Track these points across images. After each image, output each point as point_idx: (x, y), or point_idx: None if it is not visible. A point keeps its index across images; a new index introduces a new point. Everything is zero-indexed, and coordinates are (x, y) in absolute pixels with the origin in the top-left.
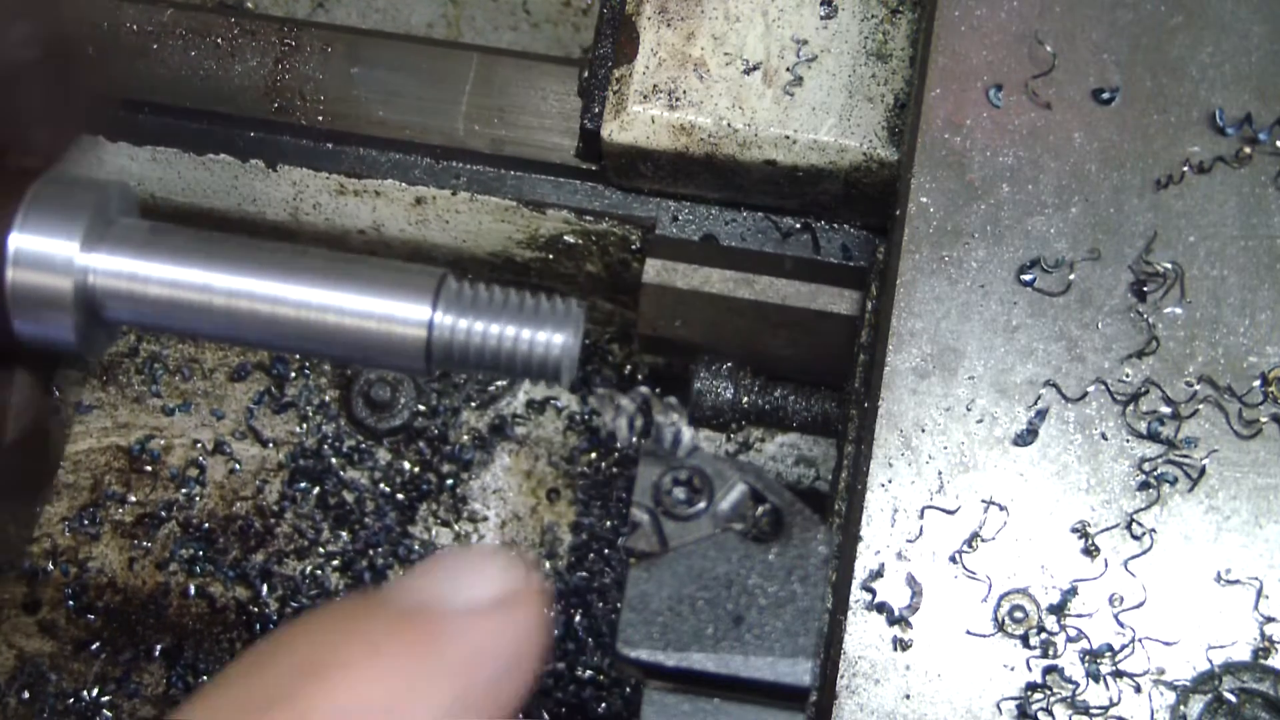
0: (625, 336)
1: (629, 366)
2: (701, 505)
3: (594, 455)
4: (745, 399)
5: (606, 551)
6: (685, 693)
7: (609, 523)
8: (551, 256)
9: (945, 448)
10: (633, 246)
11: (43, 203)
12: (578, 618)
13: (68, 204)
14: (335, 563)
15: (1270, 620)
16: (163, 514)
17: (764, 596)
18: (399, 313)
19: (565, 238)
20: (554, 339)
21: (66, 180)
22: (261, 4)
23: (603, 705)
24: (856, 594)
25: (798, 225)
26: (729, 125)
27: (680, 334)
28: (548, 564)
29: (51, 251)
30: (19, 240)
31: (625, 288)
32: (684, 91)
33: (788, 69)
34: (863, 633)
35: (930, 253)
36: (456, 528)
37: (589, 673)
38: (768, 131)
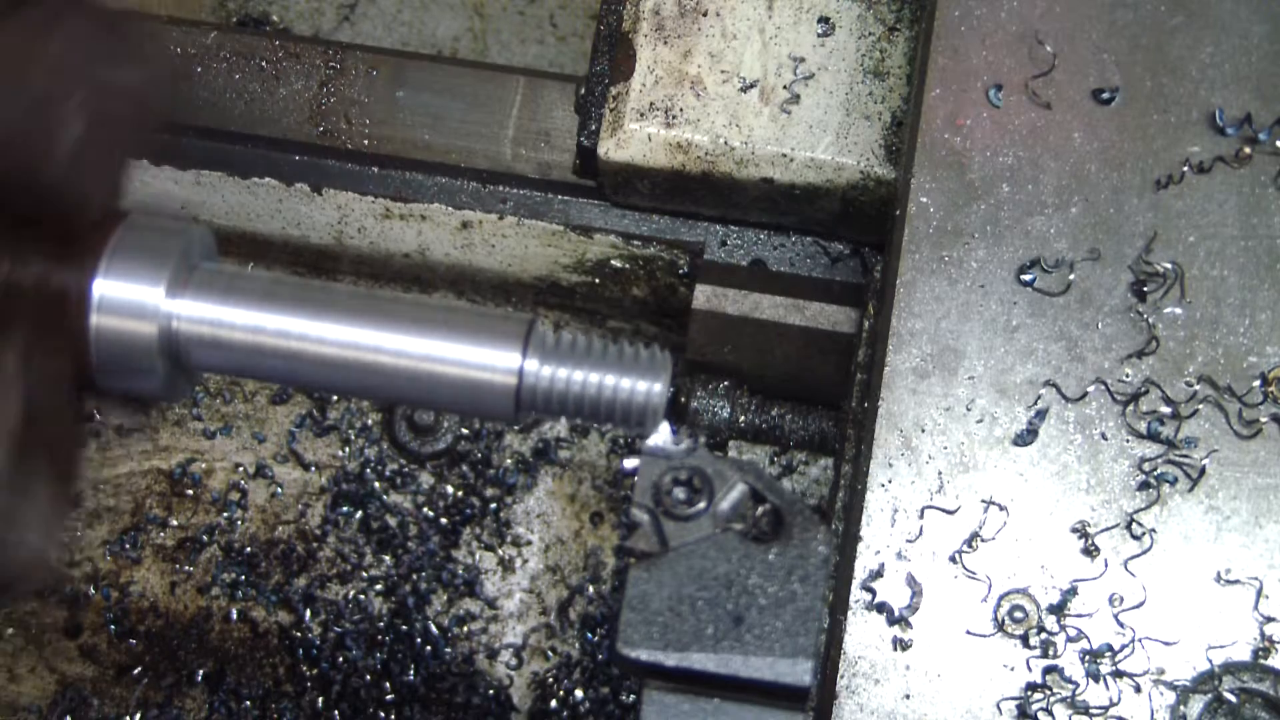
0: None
1: (672, 388)
2: (701, 505)
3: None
4: (742, 418)
5: None
6: (685, 693)
7: None
8: (598, 281)
9: (945, 448)
10: (680, 271)
11: (127, 248)
12: None
13: (152, 249)
14: (378, 587)
15: (1270, 620)
16: (204, 538)
17: (764, 596)
18: (488, 360)
19: (612, 262)
20: (643, 387)
21: (150, 224)
22: (287, 18)
23: None
24: (856, 594)
25: (846, 250)
26: (726, 143)
27: (729, 360)
28: (591, 588)
29: (136, 298)
30: (103, 286)
31: (672, 312)
32: (681, 109)
33: (785, 87)
34: (863, 633)
35: (930, 253)
36: (500, 552)
37: (633, 697)
38: (765, 149)
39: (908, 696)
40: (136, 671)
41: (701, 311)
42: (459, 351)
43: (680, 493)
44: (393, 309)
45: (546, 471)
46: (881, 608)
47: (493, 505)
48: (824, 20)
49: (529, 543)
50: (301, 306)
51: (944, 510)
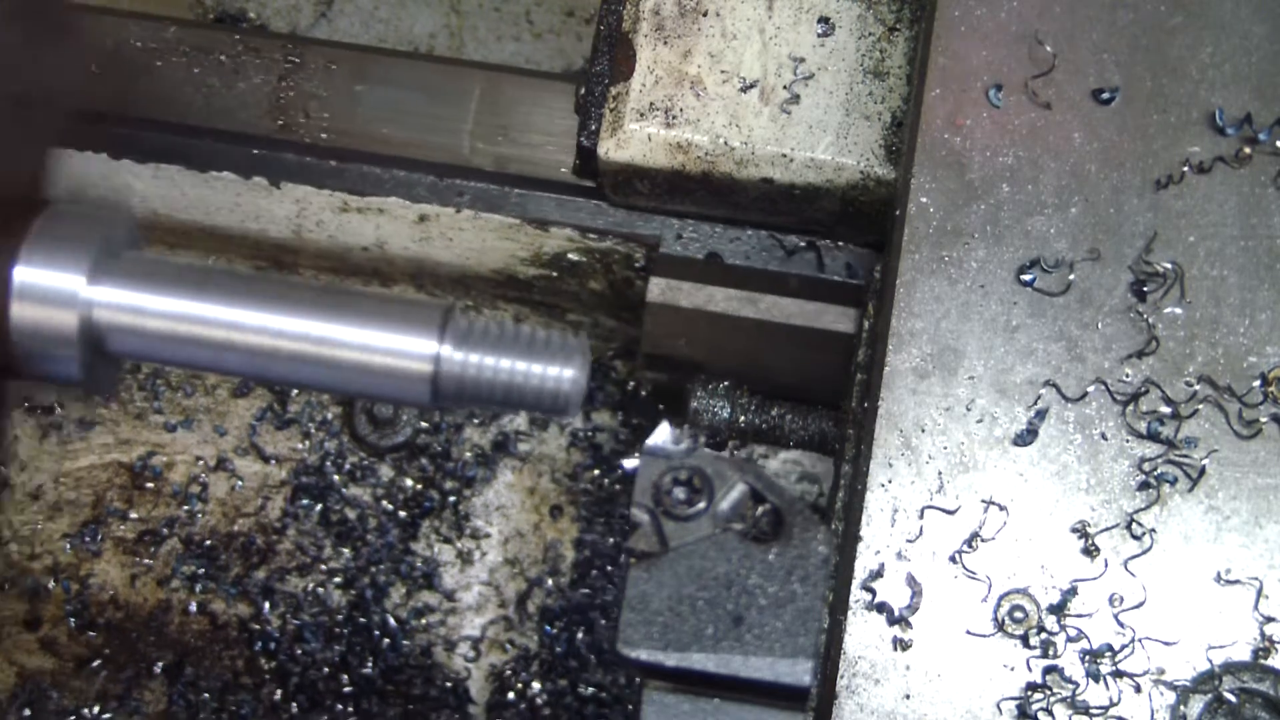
0: (629, 353)
1: (632, 383)
2: (701, 505)
3: (597, 472)
4: (742, 418)
5: (609, 568)
6: (685, 693)
7: (611, 539)
8: (555, 274)
9: (945, 448)
10: (636, 264)
11: (48, 235)
12: (580, 634)
13: (73, 237)
14: (337, 580)
15: (1270, 620)
16: (165, 531)
17: (764, 596)
18: (405, 346)
19: (569, 255)
20: (561, 373)
21: (73, 212)
22: (264, 15)
23: None
24: (856, 594)
25: (802, 244)
26: (726, 143)
27: (684, 352)
28: (550, 581)
29: (56, 285)
30: (24, 273)
31: (629, 305)
32: (681, 109)
33: (785, 87)
34: (863, 633)
35: (930, 253)
36: (459, 545)
37: (591, 689)
38: (765, 149)
39: (908, 696)
40: (96, 664)
41: (655, 304)
42: (376, 338)
43: (680, 493)
44: (311, 296)
45: (506, 465)
46: (881, 608)
47: (452, 498)
48: (824, 20)
49: (488, 535)
50: (222, 294)
51: (944, 510)
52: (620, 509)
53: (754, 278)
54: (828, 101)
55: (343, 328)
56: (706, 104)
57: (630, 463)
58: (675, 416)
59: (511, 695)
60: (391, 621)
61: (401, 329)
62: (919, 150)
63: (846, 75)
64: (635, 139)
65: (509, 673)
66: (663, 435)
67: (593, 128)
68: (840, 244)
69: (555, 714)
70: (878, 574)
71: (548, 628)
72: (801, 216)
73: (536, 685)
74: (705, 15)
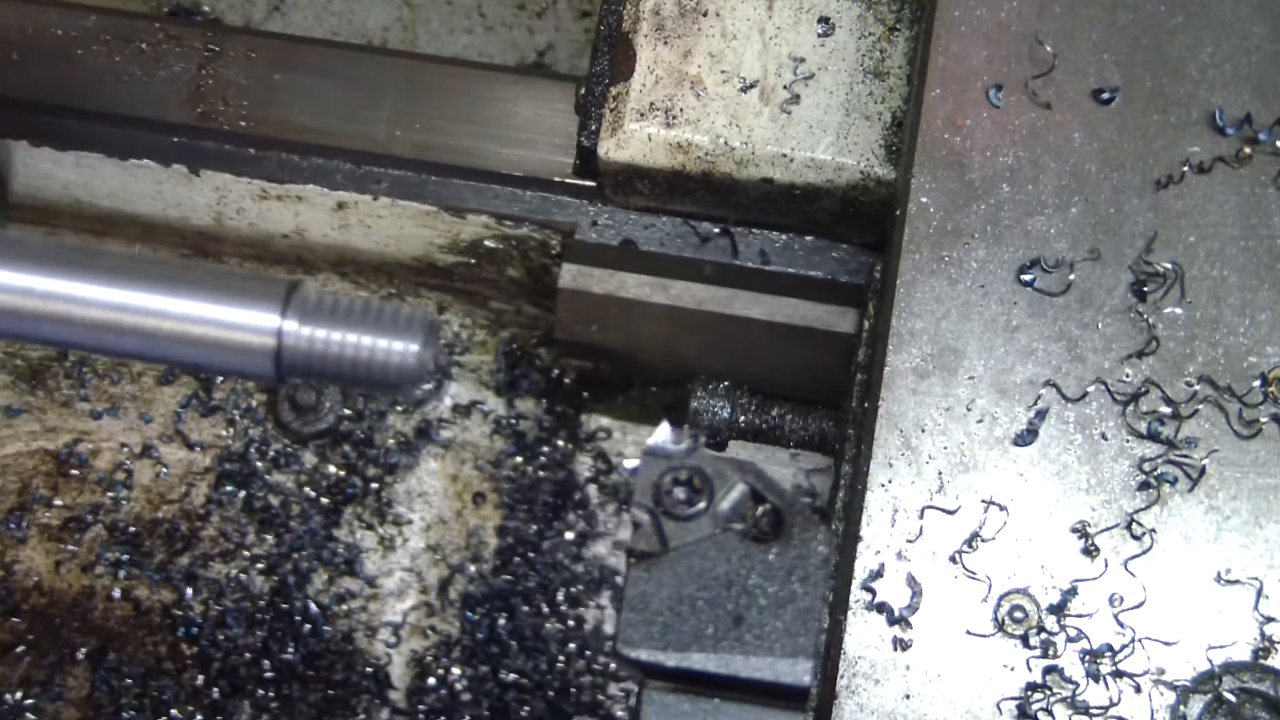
0: (553, 340)
1: (556, 370)
2: (701, 505)
3: (520, 459)
4: (742, 418)
5: (531, 555)
6: (685, 693)
7: (534, 526)
8: (474, 261)
9: (945, 448)
10: (553, 251)
11: None
12: (502, 621)
13: None
14: (260, 566)
15: (1270, 620)
16: (89, 517)
17: (764, 596)
18: (247, 320)
19: (486, 242)
20: (399, 347)
21: None
22: (218, 8)
23: (525, 709)
24: (856, 594)
25: (716, 230)
26: (726, 143)
27: (597, 339)
28: (472, 567)
29: None
30: None
31: (548, 292)
32: (681, 109)
33: (785, 87)
34: (863, 633)
35: (930, 253)
36: (381, 531)
37: (512, 676)
38: (765, 149)
39: (908, 696)
40: (19, 650)
41: (567, 291)
42: (218, 312)
43: (680, 493)
44: (156, 271)
45: (429, 451)
46: (881, 608)
47: (374, 485)
48: (824, 20)
49: (410, 522)
50: (62, 267)
51: (944, 510)
52: (543, 496)
53: (668, 264)
54: (828, 101)
55: (186, 302)
56: (706, 104)
57: (630, 463)
58: (598, 404)
59: (432, 681)
60: (313, 607)
61: (244, 303)
62: (919, 150)
63: (846, 75)
64: (635, 139)
65: (430, 659)
66: (663, 435)
67: (593, 128)
68: (755, 231)
69: (476, 700)
70: (878, 574)
71: (469, 614)
72: (802, 216)
73: (457, 671)
74: (705, 15)
